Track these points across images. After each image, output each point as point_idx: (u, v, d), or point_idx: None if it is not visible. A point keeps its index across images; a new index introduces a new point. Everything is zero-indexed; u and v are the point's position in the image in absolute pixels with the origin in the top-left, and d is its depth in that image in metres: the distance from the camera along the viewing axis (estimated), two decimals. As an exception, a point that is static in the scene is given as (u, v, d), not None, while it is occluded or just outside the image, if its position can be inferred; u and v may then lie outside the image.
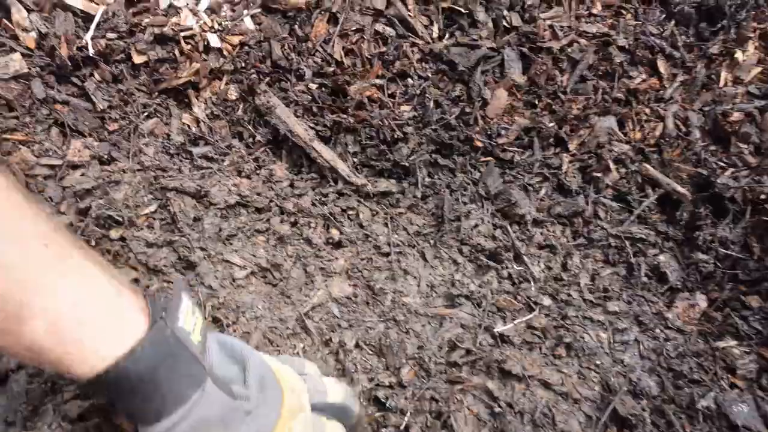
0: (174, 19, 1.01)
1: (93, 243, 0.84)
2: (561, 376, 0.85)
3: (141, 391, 0.47)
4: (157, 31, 1.00)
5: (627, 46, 1.12)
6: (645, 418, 0.79)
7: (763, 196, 0.93)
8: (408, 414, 0.80)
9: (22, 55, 0.92)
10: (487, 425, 0.80)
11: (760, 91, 1.03)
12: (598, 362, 0.87)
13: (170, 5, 1.03)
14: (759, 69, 1.06)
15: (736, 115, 1.02)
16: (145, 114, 0.99)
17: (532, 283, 0.97)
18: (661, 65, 1.11)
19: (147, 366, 0.47)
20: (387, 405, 0.83)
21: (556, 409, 0.81)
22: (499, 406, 0.81)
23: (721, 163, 1.01)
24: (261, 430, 0.55)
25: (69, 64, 0.95)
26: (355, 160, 1.06)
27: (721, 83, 1.08)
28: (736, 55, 1.08)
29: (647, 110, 1.09)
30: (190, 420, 0.50)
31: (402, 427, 0.79)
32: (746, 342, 0.87)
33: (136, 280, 0.84)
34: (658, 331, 0.92)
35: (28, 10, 0.95)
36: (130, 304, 0.50)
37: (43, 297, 0.44)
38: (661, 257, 0.99)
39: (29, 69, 0.91)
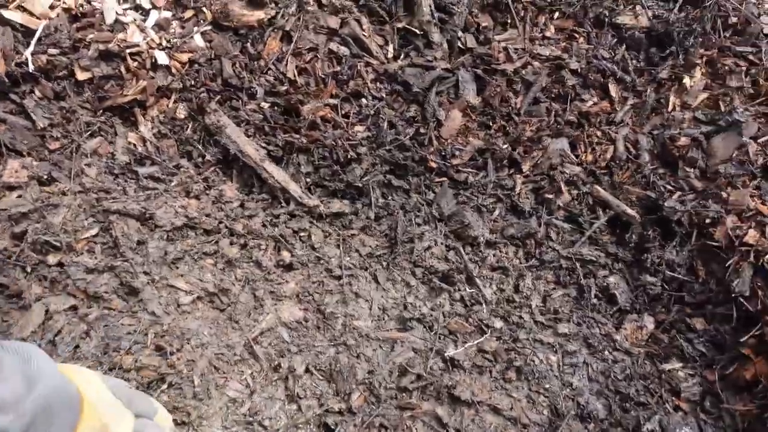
0: (120, 35, 0.98)
1: (29, 269, 0.81)
2: (510, 400, 0.85)
3: None
4: (102, 47, 0.97)
5: (579, 70, 1.13)
6: (592, 443, 0.79)
7: (708, 221, 0.95)
8: (356, 442, 0.79)
9: (-43, 70, 0.88)
10: (436, 454, 0.79)
11: (706, 116, 1.06)
12: (547, 386, 0.87)
13: (116, 21, 1.00)
14: (705, 95, 1.09)
15: (683, 140, 1.04)
16: (89, 132, 0.96)
17: (484, 306, 0.97)
18: (613, 89, 1.13)
19: None
20: (335, 433, 0.82)
21: (504, 436, 0.81)
22: (448, 433, 0.80)
23: (669, 187, 1.03)
24: None
25: (7, 80, 0.91)
26: (308, 180, 1.04)
27: (670, 108, 1.10)
28: (684, 81, 1.10)
29: (599, 133, 1.11)
30: None
31: (350, 457, 0.78)
32: (691, 364, 0.89)
33: (74, 308, 0.81)
34: (606, 353, 0.92)
35: (-37, 24, 0.91)
36: None
37: None
38: (611, 279, 1.00)
39: (-37, 86, 0.87)
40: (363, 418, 0.83)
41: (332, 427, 0.83)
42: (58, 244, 0.82)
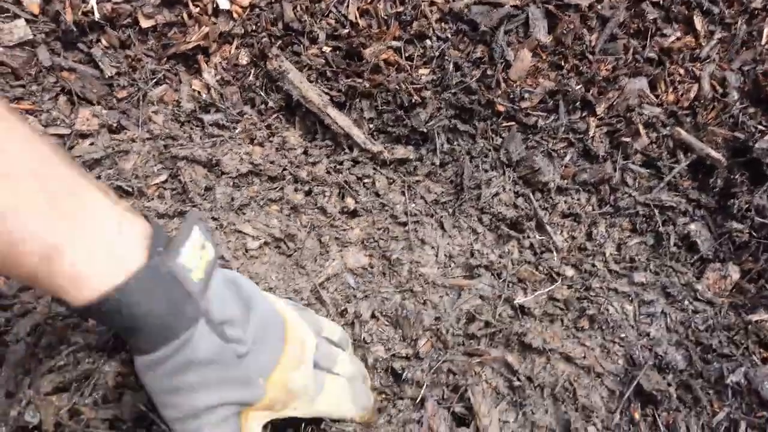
0: (182, -19, 0.98)
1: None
2: (583, 349, 0.82)
3: (131, 324, 0.47)
4: (164, -7, 0.97)
5: (661, 2, 1.05)
6: (671, 393, 0.76)
7: (805, 162, 0.87)
8: (424, 386, 0.78)
9: (27, 21, 0.89)
10: (506, 399, 0.78)
11: (805, 48, 0.96)
12: (622, 335, 0.84)
13: (178, -34, 0.99)
14: (805, 24, 0.99)
15: (777, 75, 0.95)
16: (154, 80, 0.97)
17: (555, 253, 0.93)
18: (698, 22, 1.04)
19: (138, 300, 0.46)
20: (403, 377, 0.82)
21: (577, 384, 0.78)
22: (519, 380, 0.79)
23: (761, 127, 0.95)
24: (251, 375, 0.56)
25: (75, 29, 0.92)
26: (371, 126, 1.02)
27: (764, 40, 1.01)
28: (780, 9, 1.00)
29: (682, 70, 1.03)
30: (177, 359, 0.50)
31: (418, 400, 0.78)
32: (782, 316, 0.83)
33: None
34: (686, 303, 0.88)
35: (32, -26, 0.92)
36: (130, 237, 0.49)
37: (39, 229, 0.43)
38: (692, 226, 0.94)
39: (34, 35, 0.89)
40: (430, 364, 0.82)
41: (399, 371, 0.83)
42: (130, 189, 0.84)
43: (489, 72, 1.02)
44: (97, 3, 0.95)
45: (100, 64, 0.94)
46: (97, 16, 0.94)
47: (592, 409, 0.76)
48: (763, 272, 0.88)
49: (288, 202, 0.94)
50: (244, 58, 1.01)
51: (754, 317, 0.84)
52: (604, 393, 0.79)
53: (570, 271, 0.91)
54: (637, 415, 0.74)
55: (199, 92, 0.99)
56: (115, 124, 0.92)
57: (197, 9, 0.98)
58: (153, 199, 0.86)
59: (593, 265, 0.92)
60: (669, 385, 0.78)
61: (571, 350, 0.81)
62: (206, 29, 0.97)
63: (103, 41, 0.96)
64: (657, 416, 0.74)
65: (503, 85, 1.02)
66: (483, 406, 0.74)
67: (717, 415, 0.74)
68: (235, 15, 1.00)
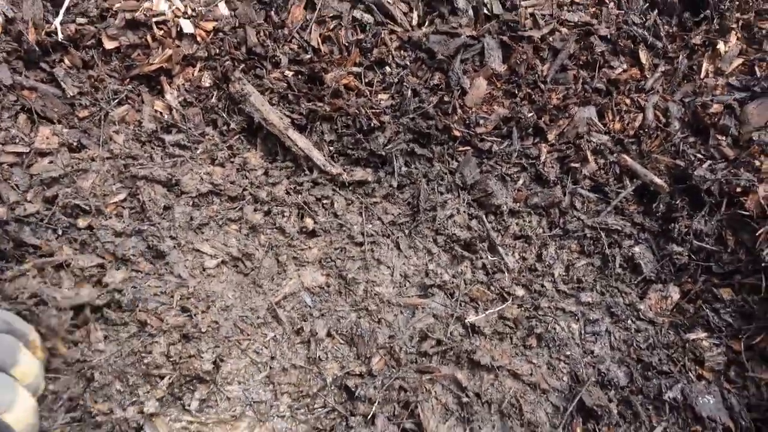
0: (146, 4, 1.00)
1: (60, 232, 0.84)
2: (530, 366, 0.85)
3: None
4: (128, 16, 0.99)
5: (609, 36, 1.11)
6: (611, 409, 0.79)
7: (739, 189, 0.93)
8: (376, 403, 0.80)
9: (-11, 39, 0.90)
10: (454, 415, 0.80)
11: (740, 83, 1.02)
12: (568, 353, 0.87)
13: (143, -11, 1.01)
14: (740, 60, 1.05)
15: (715, 107, 1.01)
16: (116, 101, 0.98)
17: (506, 274, 0.96)
18: (643, 55, 1.10)
19: None
20: (356, 394, 0.83)
21: (523, 400, 0.81)
22: (467, 396, 0.81)
23: (700, 155, 1.00)
24: None
25: (37, 49, 0.94)
26: (331, 148, 1.05)
27: (702, 74, 1.07)
28: (718, 46, 1.07)
29: (627, 101, 1.08)
30: None
31: (369, 417, 0.79)
32: (716, 334, 0.87)
33: (101, 266, 0.84)
34: (629, 322, 0.91)
35: (-5, -6, 0.93)
36: None
37: None
38: (636, 248, 0.99)
39: (-5, 54, 0.90)
40: (383, 381, 0.84)
41: (353, 389, 0.84)
42: (87, 208, 0.85)
43: (446, 98, 1.06)
44: (61, 24, 0.96)
45: (62, 83, 0.95)
46: (60, 36, 0.96)
47: (536, 424, 0.78)
48: (701, 293, 0.92)
49: (247, 221, 0.95)
50: (207, 81, 1.03)
51: (692, 336, 0.88)
52: (549, 409, 0.82)
53: (520, 291, 0.95)
54: (579, 430, 0.77)
55: (161, 113, 1.00)
56: (75, 143, 0.92)
57: (161, 32, 1.00)
58: (111, 217, 0.87)
59: (542, 286, 0.95)
60: (610, 401, 0.81)
61: (518, 367, 0.84)
62: (170, 52, 0.99)
63: (66, 61, 0.97)
64: (598, 431, 0.77)
65: (459, 111, 1.06)
66: (432, 422, 0.76)
67: (654, 429, 0.78)
68: (198, 38, 1.02)
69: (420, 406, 0.79)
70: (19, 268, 0.77)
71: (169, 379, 0.80)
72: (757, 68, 1.02)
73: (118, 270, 0.84)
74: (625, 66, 1.11)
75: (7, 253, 0.80)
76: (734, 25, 1.07)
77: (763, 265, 0.84)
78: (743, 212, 0.91)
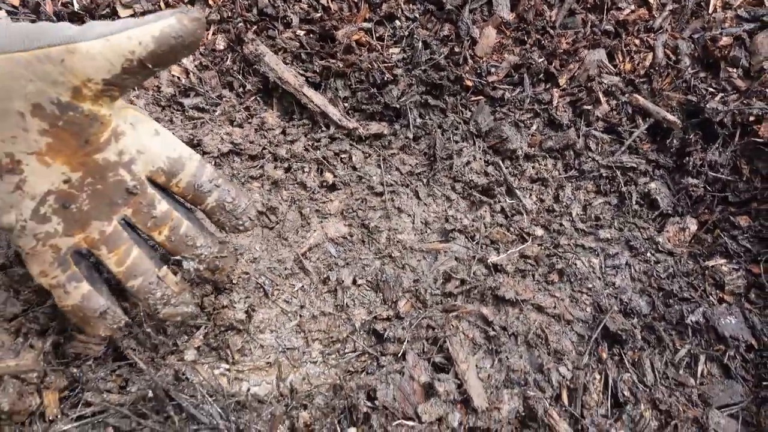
0: (157, -30, 1.01)
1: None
2: (553, 299, 0.87)
3: None
4: (141, -18, 1.00)
5: (615, -23, 1.11)
6: (635, 334, 0.81)
7: (752, 119, 0.93)
8: (405, 342, 0.83)
9: (8, 12, 0.92)
10: (482, 348, 0.82)
11: (749, 14, 1.02)
12: (589, 286, 0.89)
13: (153, -44, 1.02)
14: (748, -8, 1.05)
15: (725, 40, 1.01)
16: (135, 67, 1.00)
17: (525, 215, 0.98)
18: (650, -6, 1.10)
19: None
20: (385, 336, 0.86)
21: (549, 330, 0.83)
22: (494, 330, 0.83)
23: (711, 89, 1.01)
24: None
25: (55, 19, 0.95)
26: (346, 104, 1.06)
27: (711, 9, 1.07)
28: (725, -20, 1.07)
29: (637, 41, 1.09)
30: None
31: (399, 354, 0.82)
32: (735, 260, 0.89)
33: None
34: (648, 254, 0.93)
35: (12, -33, 0.95)
36: None
37: None
38: (652, 185, 1.00)
39: (17, 24, 0.92)
40: (411, 322, 0.86)
41: (381, 332, 0.87)
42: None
43: (456, 49, 1.07)
44: (76, -6, 0.98)
45: (81, 53, 0.97)
46: (76, 6, 0.98)
47: (563, 352, 0.81)
48: (718, 222, 0.94)
49: (268, 178, 0.97)
50: (221, 44, 1.05)
51: (711, 263, 0.89)
52: (574, 338, 0.84)
53: (539, 231, 0.96)
54: (604, 355, 0.79)
55: (178, 77, 1.02)
56: (98, 110, 0.95)
57: (173, -3, 1.02)
58: (138, 177, 0.90)
59: (561, 225, 0.97)
60: (634, 327, 0.83)
61: (542, 301, 0.86)
62: (183, 16, 1.01)
63: (83, 31, 0.99)
64: (623, 355, 0.79)
65: (470, 61, 1.08)
66: (461, 354, 0.79)
67: (679, 351, 0.80)
68: (210, 2, 1.04)
69: (449, 341, 0.82)
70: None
71: (205, 329, 0.83)
72: (765, -2, 1.03)
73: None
74: (633, 6, 1.11)
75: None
76: (741, -41, 1.07)
77: (778, 188, 0.85)
78: (757, 140, 0.92)
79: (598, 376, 0.77)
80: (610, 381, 0.76)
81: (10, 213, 0.50)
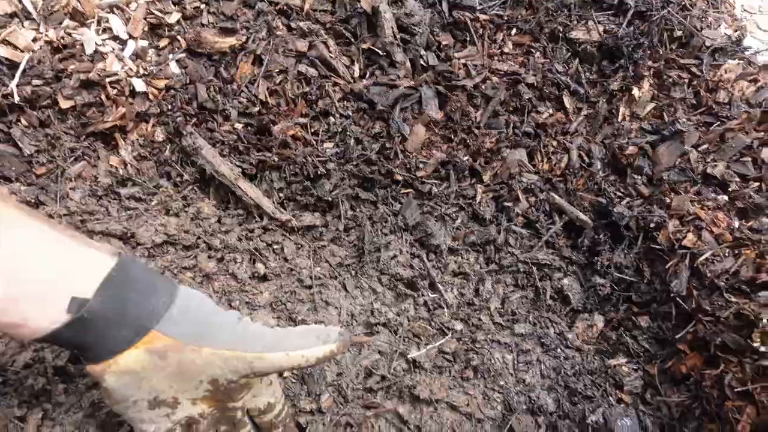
0: (100, 65, 1.05)
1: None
2: (467, 397, 0.92)
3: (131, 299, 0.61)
4: (83, 76, 1.04)
5: (536, 83, 1.20)
6: (539, 435, 0.87)
7: (652, 225, 1.02)
8: (324, 440, 0.86)
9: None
10: (396, 448, 0.86)
11: (652, 126, 1.13)
12: (502, 383, 0.95)
13: (96, 51, 1.06)
14: (652, 105, 1.16)
15: (631, 149, 1.11)
16: (73, 157, 1.03)
17: (446, 309, 1.04)
18: (567, 100, 1.20)
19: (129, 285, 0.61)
20: (306, 430, 0.89)
21: (460, 430, 0.88)
22: (409, 429, 0.87)
23: (619, 193, 1.10)
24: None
25: (-7, 113, 0.98)
26: (281, 195, 1.11)
27: (620, 118, 1.17)
28: (633, 92, 1.17)
29: (554, 143, 1.18)
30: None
31: (318, 453, 0.85)
32: (635, 359, 0.96)
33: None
34: (558, 350, 0.99)
35: (-48, 60, 0.98)
36: (96, 251, 0.62)
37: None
38: (565, 281, 1.07)
39: (-47, 119, 0.94)
40: (331, 417, 0.90)
41: (304, 426, 0.90)
42: (45, 265, 0.89)
43: (387, 145, 1.14)
44: (17, 86, 1.01)
45: (19, 143, 1.00)
46: (17, 98, 1.00)
47: (471, 452, 0.85)
48: (622, 321, 1.01)
49: (201, 269, 1.01)
50: (160, 135, 1.08)
51: (613, 362, 0.96)
52: (484, 437, 0.89)
53: (459, 326, 1.02)
54: (509, 456, 0.84)
55: (116, 168, 1.05)
56: (33, 200, 0.97)
57: (115, 91, 1.05)
58: (68, 272, 0.91)
59: (480, 319, 1.03)
60: (539, 426, 0.88)
61: (455, 399, 0.91)
62: (123, 109, 1.05)
63: (23, 121, 1.02)
64: (527, 456, 0.84)
65: (401, 156, 1.14)
66: (375, 455, 0.82)
67: (578, 451, 0.85)
68: (151, 96, 1.08)
69: (365, 440, 0.85)
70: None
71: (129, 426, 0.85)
72: (665, 114, 1.13)
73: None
74: (551, 110, 1.20)
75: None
76: (647, 73, 1.18)
77: (671, 295, 0.93)
78: (657, 246, 1.00)
79: (501, 479, 0.82)
80: (512, 484, 0.81)
81: (150, 426, 0.66)
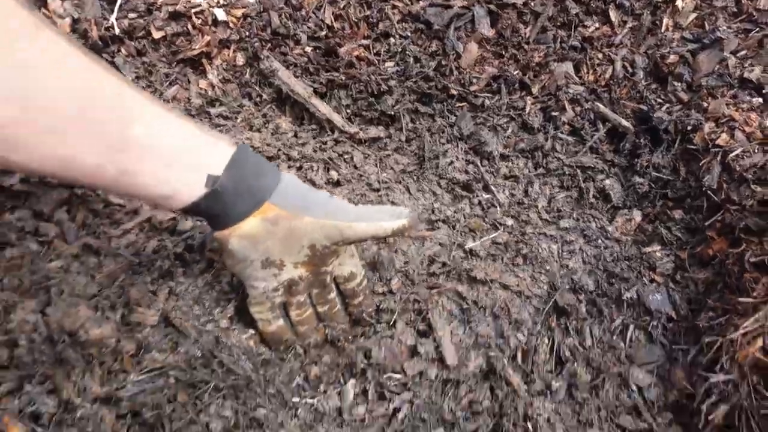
0: (186, -3, 1.18)
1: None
2: (517, 279, 1.07)
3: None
4: (171, 9, 1.18)
5: (582, -2, 1.27)
6: (580, 307, 1.01)
7: (690, 128, 1.11)
8: (396, 313, 1.03)
9: (65, 38, 1.10)
10: (457, 318, 1.02)
11: (693, 35, 1.19)
12: (548, 268, 1.08)
13: (182, -16, 1.19)
14: (695, 15, 1.21)
15: (672, 58, 1.18)
16: (168, 82, 1.18)
17: (498, 208, 1.17)
18: (613, 14, 1.26)
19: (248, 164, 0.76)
20: (380, 308, 1.06)
21: (511, 304, 1.03)
22: (467, 304, 1.03)
23: (659, 100, 1.18)
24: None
25: (100, 43, 1.13)
26: (348, 111, 1.24)
27: (663, 28, 1.23)
28: (677, 3, 1.23)
29: (600, 55, 1.26)
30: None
31: (391, 323, 1.02)
32: (668, 247, 1.08)
33: (173, 219, 1.06)
34: (599, 241, 1.12)
35: (63, -1, 1.13)
36: (213, 137, 0.75)
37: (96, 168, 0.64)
38: (607, 181, 1.18)
39: (73, 51, 1.10)
40: (401, 296, 1.06)
41: (377, 304, 1.07)
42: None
43: (443, 62, 1.25)
44: (116, 20, 1.16)
45: (121, 70, 1.15)
46: (117, 30, 1.15)
47: (521, 321, 1.01)
48: (658, 215, 1.12)
49: (283, 176, 1.16)
50: (240, 60, 1.22)
51: (648, 249, 1.08)
52: (531, 310, 1.04)
53: (510, 221, 1.16)
54: (553, 324, 0.99)
55: (205, 90, 1.20)
56: (140, 120, 1.13)
57: (199, 21, 1.19)
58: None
59: (528, 216, 1.16)
60: (579, 302, 1.02)
61: (507, 280, 1.06)
62: (208, 38, 1.18)
63: (124, 51, 1.17)
64: (568, 324, 0.99)
65: (455, 72, 1.25)
66: (439, 323, 0.99)
67: (614, 321, 0.99)
68: (231, 24, 1.21)
69: (430, 313, 1.01)
70: (124, 227, 0.99)
71: (235, 301, 1.03)
72: (706, 22, 1.19)
73: (187, 220, 1.06)
74: (597, 24, 1.27)
75: (100, 212, 1.02)
76: (691, -17, 1.23)
77: (703, 189, 1.04)
78: (692, 147, 1.10)
79: (546, 341, 0.97)
80: (556, 344, 0.96)
81: (261, 283, 0.84)
